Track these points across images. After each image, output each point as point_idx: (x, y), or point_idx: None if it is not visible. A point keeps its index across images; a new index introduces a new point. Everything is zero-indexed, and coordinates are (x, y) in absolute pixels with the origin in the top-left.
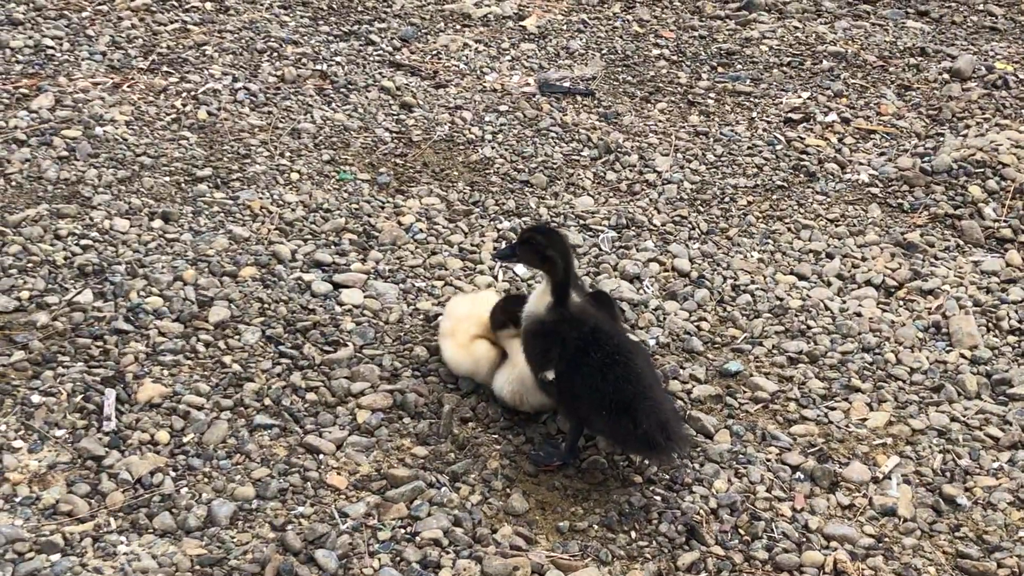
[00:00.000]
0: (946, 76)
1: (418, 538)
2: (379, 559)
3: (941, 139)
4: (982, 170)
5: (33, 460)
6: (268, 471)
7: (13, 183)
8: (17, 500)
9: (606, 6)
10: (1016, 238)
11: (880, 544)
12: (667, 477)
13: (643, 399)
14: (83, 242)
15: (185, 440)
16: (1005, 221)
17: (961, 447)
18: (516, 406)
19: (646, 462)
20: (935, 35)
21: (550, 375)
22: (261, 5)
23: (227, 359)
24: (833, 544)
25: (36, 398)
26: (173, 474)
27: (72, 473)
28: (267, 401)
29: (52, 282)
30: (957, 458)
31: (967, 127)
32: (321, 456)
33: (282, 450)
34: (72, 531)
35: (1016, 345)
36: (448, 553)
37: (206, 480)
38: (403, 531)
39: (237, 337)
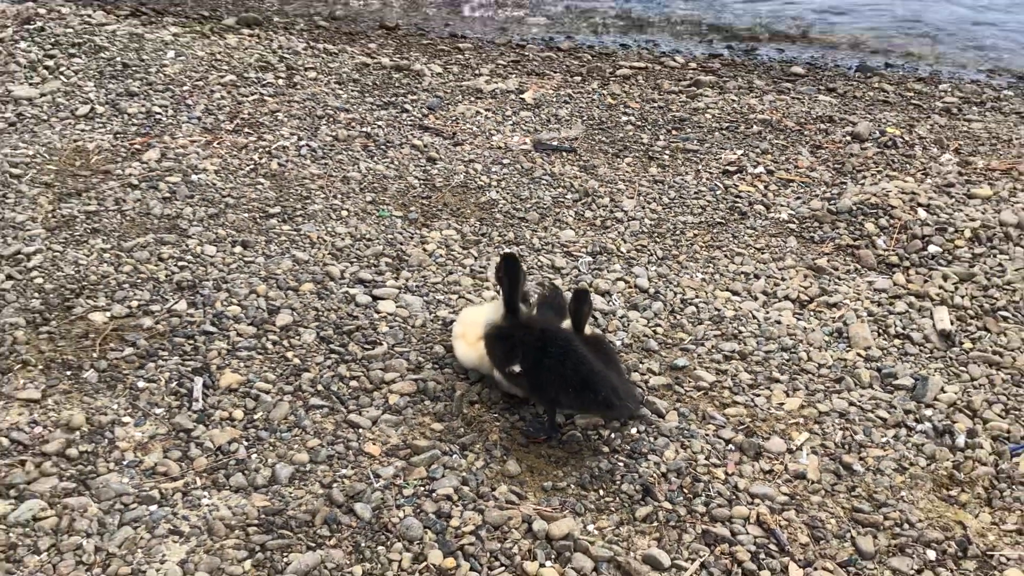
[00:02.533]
0: (848, 138)
1: (434, 494)
2: (404, 510)
3: (844, 187)
4: (875, 211)
5: (137, 432)
6: (319, 441)
7: (128, 217)
8: (124, 463)
9: (586, 84)
10: (901, 263)
11: (793, 501)
12: (628, 447)
13: (595, 374)
14: (180, 263)
15: (255, 417)
16: (892, 251)
17: (857, 426)
18: (510, 391)
19: (611, 423)
20: (840, 106)
21: (516, 368)
22: (321, 81)
23: (289, 354)
24: (756, 501)
25: (141, 384)
26: (245, 443)
27: (167, 442)
28: (319, 387)
29: (155, 294)
30: (854, 434)
31: (864, 177)
32: (360, 430)
33: (330, 425)
34: (166, 487)
35: (900, 347)
36: (457, 506)
37: (271, 448)
38: (423, 489)
39: (297, 337)
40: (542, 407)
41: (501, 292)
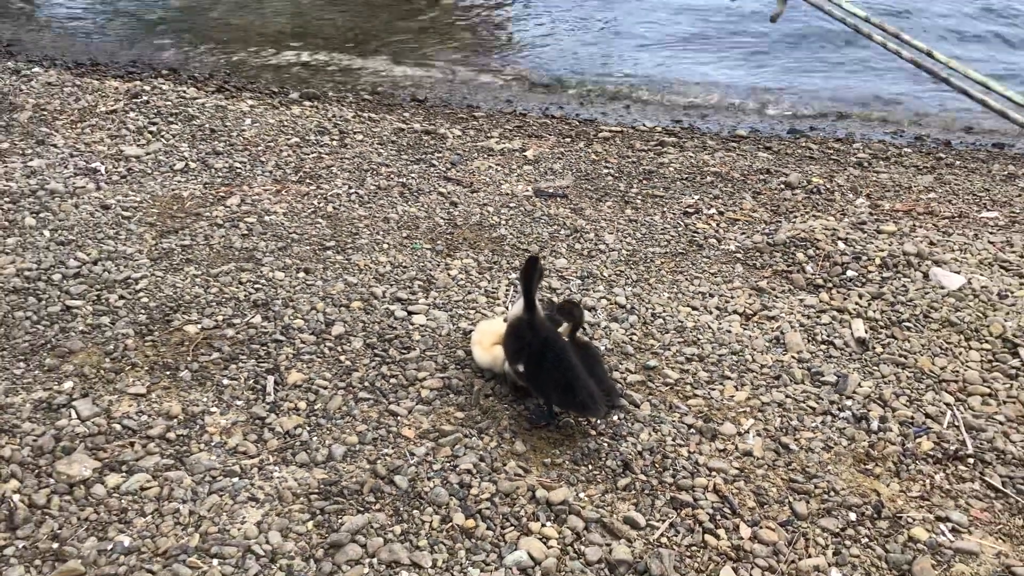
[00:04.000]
0: (782, 186)
1: (457, 468)
2: (433, 482)
3: (779, 224)
4: (804, 243)
5: (222, 420)
6: (366, 427)
7: (214, 250)
8: (212, 444)
9: (575, 143)
10: (825, 285)
11: (742, 473)
12: (611, 431)
13: (576, 380)
14: (256, 286)
15: (316, 408)
16: (818, 275)
17: (792, 413)
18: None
19: (589, 419)
20: (775, 161)
21: (520, 368)
22: (366, 142)
23: (342, 358)
24: (713, 473)
25: (225, 381)
26: (308, 429)
27: (246, 428)
28: (366, 383)
29: (236, 311)
30: (789, 420)
31: (795, 217)
32: (398, 418)
33: (375, 414)
34: (245, 463)
35: (825, 351)
36: (476, 478)
37: (328, 432)
38: (448, 464)
39: (348, 344)
40: (540, 398)
41: (522, 288)
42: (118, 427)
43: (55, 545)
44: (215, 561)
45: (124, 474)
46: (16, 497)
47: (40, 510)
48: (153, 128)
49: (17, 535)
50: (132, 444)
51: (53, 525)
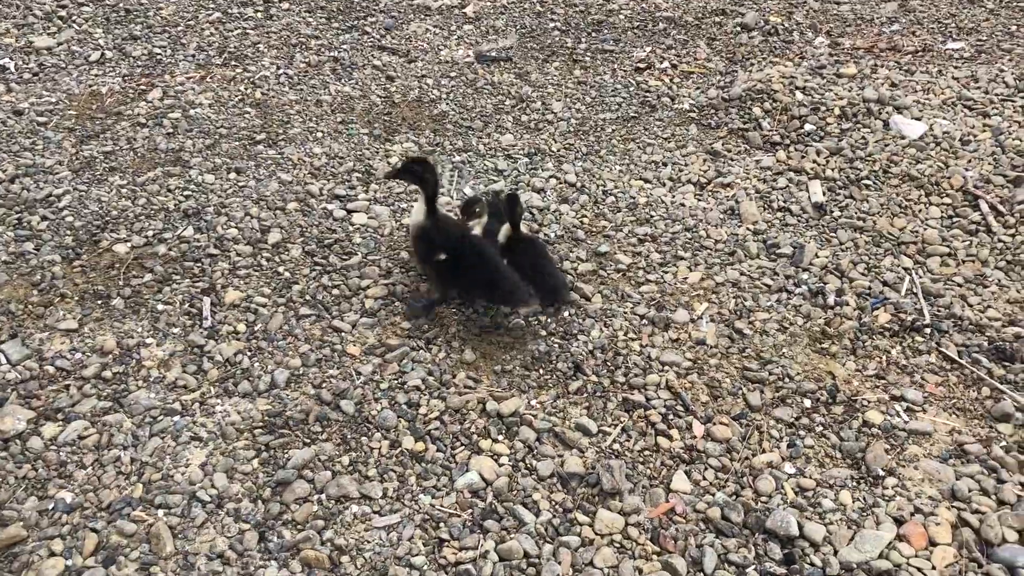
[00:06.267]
0: (738, 28)
1: (405, 387)
2: (381, 403)
3: (735, 75)
4: (761, 96)
5: (159, 351)
6: (309, 347)
7: (138, 154)
8: (151, 380)
9: None
10: (782, 142)
11: (695, 365)
12: (561, 330)
13: (498, 273)
14: (185, 192)
15: (256, 329)
16: (775, 131)
17: (747, 293)
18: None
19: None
20: None
21: (442, 256)
22: (293, 11)
23: (281, 269)
24: (666, 368)
25: (160, 307)
26: (249, 354)
27: (185, 358)
28: (307, 297)
29: (167, 223)
30: (744, 301)
31: (752, 64)
32: (342, 334)
33: (318, 331)
34: (186, 399)
35: (781, 219)
36: (424, 395)
37: (269, 356)
38: (396, 383)
39: (287, 253)
40: (435, 290)
41: (423, 193)
42: (51, 369)
43: None
44: (160, 512)
45: (60, 423)
46: None
47: None
48: (63, 13)
49: None
50: (67, 387)
51: None
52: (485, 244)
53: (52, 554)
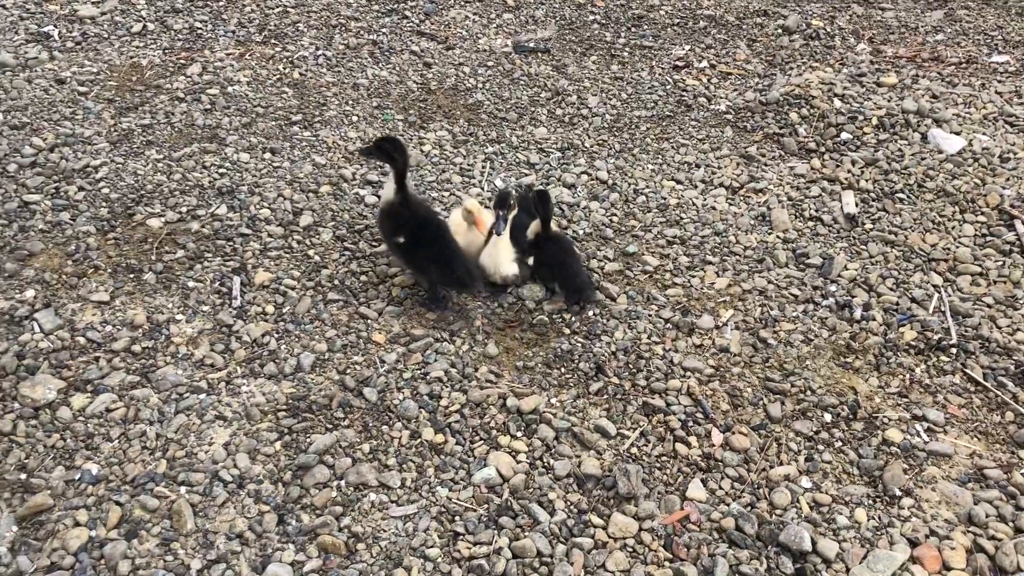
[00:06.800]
0: (780, 30)
1: (428, 377)
2: (403, 393)
3: (773, 78)
4: (799, 101)
5: (189, 328)
6: (335, 332)
7: (176, 129)
8: (179, 356)
9: None
10: (818, 150)
11: (717, 372)
12: (585, 329)
13: (454, 258)
14: (220, 170)
15: (284, 311)
16: (811, 138)
17: (773, 302)
18: (491, 276)
19: (571, 308)
20: None
21: (401, 239)
22: None
23: (311, 252)
24: (687, 374)
25: (191, 283)
26: (276, 336)
27: (213, 336)
28: (336, 282)
29: (200, 200)
30: (770, 310)
31: (791, 68)
32: (368, 321)
33: (344, 317)
34: (212, 377)
35: (812, 228)
36: (446, 387)
37: (296, 339)
38: (419, 373)
39: (317, 236)
40: (419, 277)
41: (393, 171)
42: (82, 340)
43: (23, 476)
44: (183, 489)
45: (89, 394)
46: None
47: (6, 437)
48: None
49: None
50: (97, 360)
51: (20, 455)
52: (445, 228)
53: (77, 524)
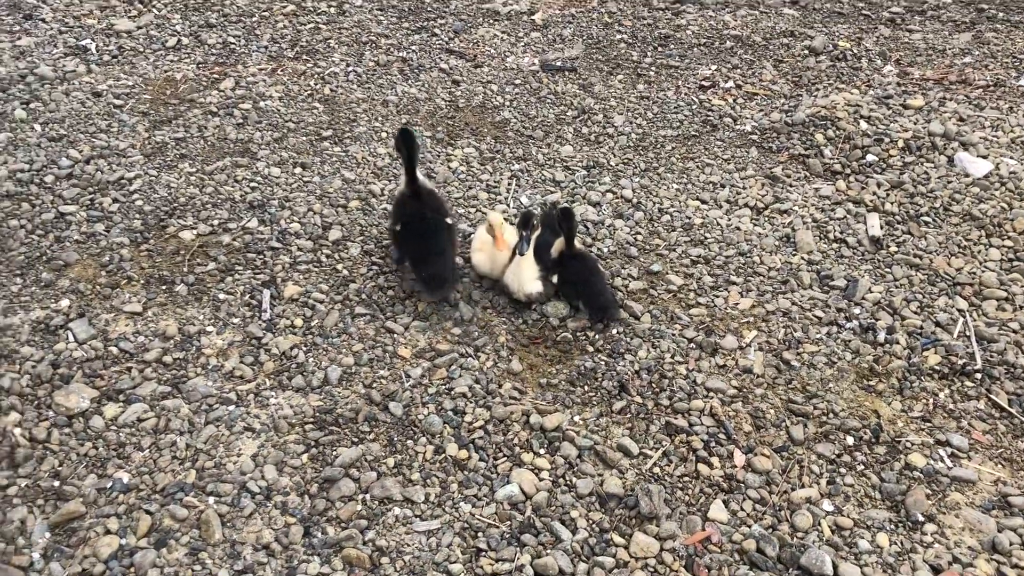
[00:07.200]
0: (806, 51)
1: (452, 393)
2: (428, 408)
3: (799, 99)
4: (824, 122)
5: (219, 340)
6: (362, 346)
7: (208, 143)
8: (209, 368)
9: (587, 3)
10: (843, 171)
11: (740, 393)
12: (609, 347)
13: (428, 260)
14: (251, 184)
15: (312, 325)
16: (837, 159)
17: (797, 324)
18: (515, 294)
19: (595, 325)
20: (801, 20)
21: (397, 227)
22: (365, 8)
23: (340, 267)
24: (711, 394)
25: (222, 296)
26: (304, 349)
27: (243, 348)
28: (363, 296)
29: (232, 213)
30: (794, 331)
31: (817, 89)
32: (395, 335)
33: (371, 331)
34: (242, 389)
35: (837, 250)
36: (470, 403)
37: (324, 353)
38: (444, 388)
39: (346, 251)
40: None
41: (403, 163)
42: (115, 350)
43: (56, 483)
44: (211, 499)
45: (122, 403)
46: (17, 431)
47: (41, 445)
48: None
49: (19, 473)
50: (129, 370)
51: (53, 462)
52: (441, 227)
53: (108, 532)
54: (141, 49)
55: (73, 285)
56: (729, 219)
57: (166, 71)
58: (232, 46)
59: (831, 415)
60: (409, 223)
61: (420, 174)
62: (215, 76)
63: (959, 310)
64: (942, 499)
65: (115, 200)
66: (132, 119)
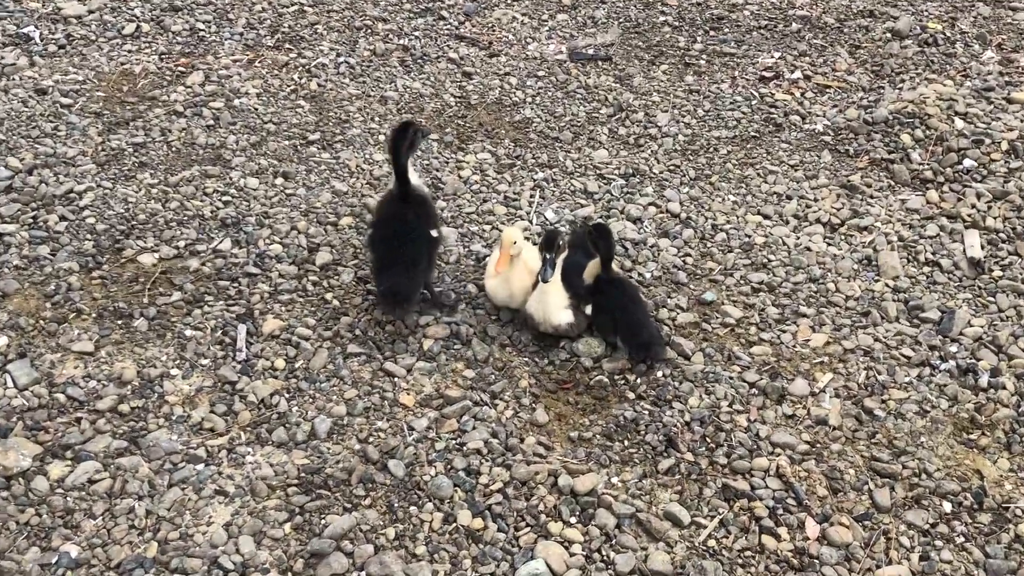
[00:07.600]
0: (888, 34)
1: (464, 449)
2: (435, 467)
3: (881, 92)
4: (911, 120)
5: (185, 385)
6: (356, 392)
7: (173, 148)
8: (174, 418)
9: None
10: (935, 179)
11: (813, 449)
12: (653, 394)
13: (387, 270)
14: (224, 198)
15: (296, 367)
16: (927, 165)
17: (881, 364)
18: (539, 326)
19: (636, 368)
20: None
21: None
22: None
23: (328, 296)
24: (777, 450)
25: (188, 332)
26: (287, 395)
27: (213, 395)
28: (357, 332)
29: (200, 232)
30: (877, 374)
31: (903, 81)
32: (395, 379)
33: (367, 374)
34: (212, 444)
35: (928, 275)
36: (486, 461)
37: (310, 400)
38: (454, 443)
39: (336, 278)
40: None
41: (392, 161)
42: (62, 398)
43: None
44: None
45: (70, 462)
46: None
47: None
48: None
49: None
50: (79, 421)
51: None
52: (418, 238)
53: None
54: (93, 38)
55: (12, 319)
56: (798, 238)
57: (123, 64)
58: (201, 33)
59: (924, 476)
60: (384, 224)
61: (415, 176)
62: (181, 69)
63: None
64: None
65: (62, 218)
66: (83, 121)
